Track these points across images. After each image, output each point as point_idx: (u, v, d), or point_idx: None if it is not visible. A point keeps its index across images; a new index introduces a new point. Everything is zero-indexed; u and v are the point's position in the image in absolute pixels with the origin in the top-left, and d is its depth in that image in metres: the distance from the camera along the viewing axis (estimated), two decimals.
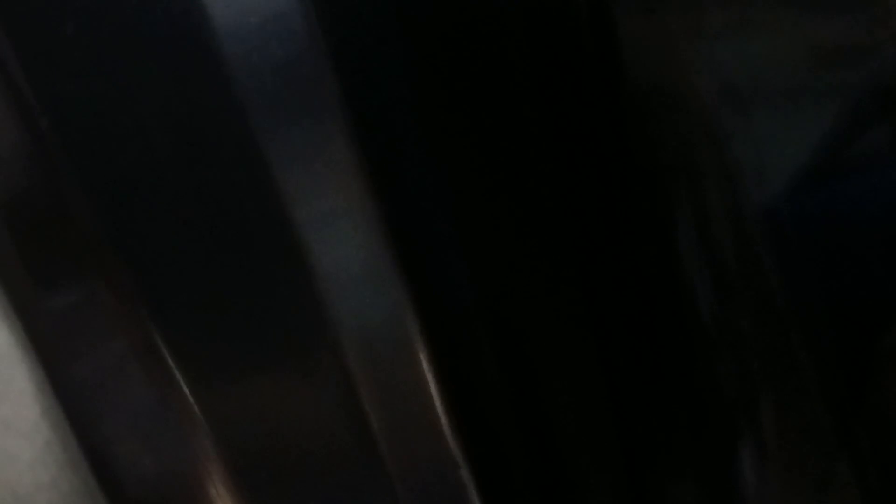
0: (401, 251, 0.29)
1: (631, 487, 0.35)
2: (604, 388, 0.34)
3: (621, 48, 0.31)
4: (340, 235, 0.28)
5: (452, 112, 0.30)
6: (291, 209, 0.28)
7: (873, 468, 0.34)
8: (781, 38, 0.30)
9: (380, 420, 0.30)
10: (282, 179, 0.28)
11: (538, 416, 0.33)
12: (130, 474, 0.32)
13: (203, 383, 0.30)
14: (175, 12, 0.26)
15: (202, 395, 0.30)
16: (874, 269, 0.32)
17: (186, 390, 0.30)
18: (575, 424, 0.34)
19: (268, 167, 0.27)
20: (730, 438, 0.35)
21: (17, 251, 0.29)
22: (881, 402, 0.33)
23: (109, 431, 0.31)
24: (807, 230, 0.32)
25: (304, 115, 0.27)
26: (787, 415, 0.34)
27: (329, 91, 0.27)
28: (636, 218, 0.33)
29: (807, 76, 0.30)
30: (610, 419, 0.34)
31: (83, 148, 0.28)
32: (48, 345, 0.30)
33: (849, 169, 0.31)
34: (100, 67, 0.27)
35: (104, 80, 0.27)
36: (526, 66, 0.31)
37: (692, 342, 0.34)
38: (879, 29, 0.29)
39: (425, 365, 0.30)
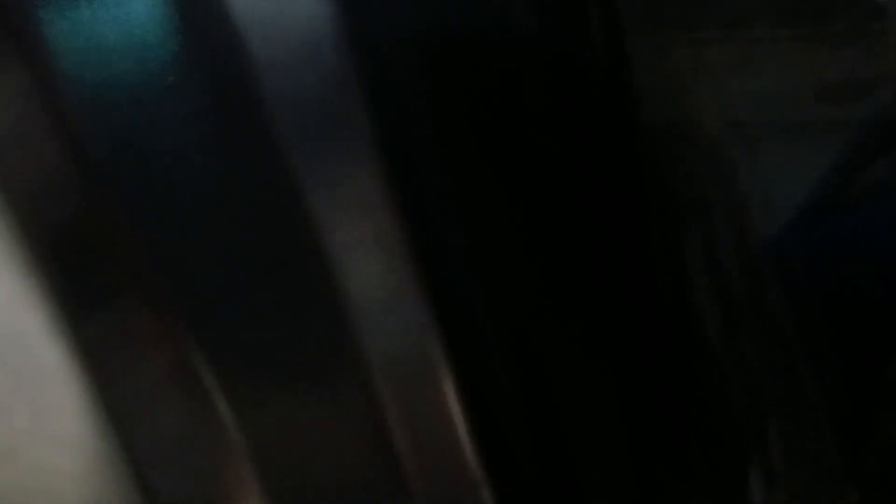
0: (425, 277, 0.29)
1: None
2: (620, 411, 0.34)
3: (633, 85, 0.32)
4: (368, 262, 0.29)
5: (474, 144, 0.30)
6: (322, 236, 0.29)
7: (880, 493, 0.34)
8: (785, 73, 0.30)
9: (403, 440, 0.31)
10: (314, 208, 0.29)
11: (557, 437, 0.34)
12: (172, 490, 0.32)
13: (240, 404, 0.31)
14: (217, 51, 0.27)
15: (238, 414, 0.31)
16: (879, 299, 0.32)
17: (224, 410, 0.31)
18: (591, 445, 0.34)
19: (300, 196, 0.28)
20: (739, 464, 0.35)
21: (65, 274, 0.29)
22: (888, 429, 0.33)
23: (152, 448, 0.32)
24: (812, 260, 0.32)
25: (335, 146, 0.28)
26: (795, 440, 0.34)
27: (359, 125, 0.28)
28: (648, 248, 0.34)
29: (810, 110, 0.31)
30: (626, 441, 0.35)
31: (127, 177, 0.29)
32: (96, 363, 0.30)
33: (853, 200, 0.31)
34: (146, 103, 0.28)
35: (150, 114, 0.28)
36: (544, 106, 0.31)
37: (702, 369, 0.35)
38: (880, 64, 0.30)
39: (447, 387, 0.30)
